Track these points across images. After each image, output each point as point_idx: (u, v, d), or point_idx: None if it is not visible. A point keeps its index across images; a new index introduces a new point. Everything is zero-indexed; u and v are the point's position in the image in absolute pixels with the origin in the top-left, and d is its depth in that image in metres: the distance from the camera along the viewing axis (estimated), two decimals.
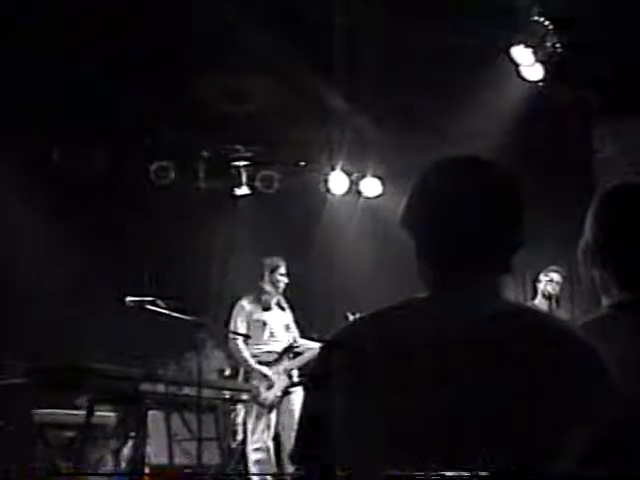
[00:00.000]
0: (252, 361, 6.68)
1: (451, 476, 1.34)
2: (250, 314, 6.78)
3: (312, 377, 1.71)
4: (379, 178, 8.72)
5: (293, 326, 6.99)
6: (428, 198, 1.66)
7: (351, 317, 6.35)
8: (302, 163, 8.86)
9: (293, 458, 1.66)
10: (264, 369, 6.66)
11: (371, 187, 8.76)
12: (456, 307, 1.58)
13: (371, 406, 1.52)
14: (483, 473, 1.35)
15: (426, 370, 1.50)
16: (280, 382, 6.66)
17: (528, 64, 6.36)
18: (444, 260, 1.63)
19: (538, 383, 1.45)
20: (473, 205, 1.61)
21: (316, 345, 6.71)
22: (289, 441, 6.52)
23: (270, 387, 6.62)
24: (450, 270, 1.62)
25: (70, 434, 5.99)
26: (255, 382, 6.62)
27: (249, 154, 8.67)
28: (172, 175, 8.33)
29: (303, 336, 7.00)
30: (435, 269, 1.64)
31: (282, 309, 6.96)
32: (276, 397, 6.61)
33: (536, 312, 1.71)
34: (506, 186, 1.66)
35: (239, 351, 6.70)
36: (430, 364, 1.50)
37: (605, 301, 1.93)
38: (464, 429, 1.44)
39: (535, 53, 6.25)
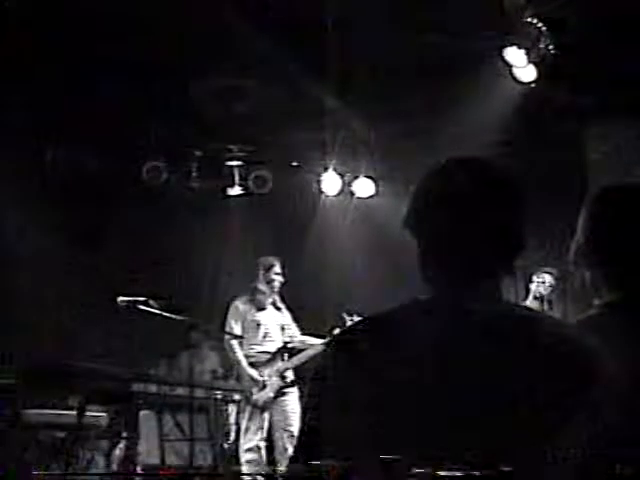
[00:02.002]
0: (245, 363, 6.67)
1: (446, 476, 1.34)
2: (244, 314, 6.77)
3: (315, 378, 1.71)
4: (372, 179, 8.72)
5: (292, 326, 6.97)
6: (432, 199, 1.66)
7: (347, 317, 6.36)
8: (295, 163, 8.85)
9: (295, 461, 1.65)
10: (255, 373, 6.65)
11: (364, 188, 8.77)
12: (460, 309, 1.58)
13: (374, 408, 1.52)
14: (476, 473, 1.35)
15: (430, 372, 1.51)
16: (273, 383, 6.66)
17: (521, 65, 6.36)
18: (447, 262, 1.63)
19: (540, 384, 1.46)
20: (477, 207, 1.61)
21: (316, 342, 6.71)
22: (282, 442, 6.52)
23: (263, 388, 6.62)
24: (453, 272, 1.63)
25: (62, 434, 5.97)
26: (247, 383, 6.61)
27: (242, 154, 8.66)
28: (165, 175, 8.31)
29: (304, 333, 6.99)
30: (438, 270, 1.64)
31: (278, 309, 6.94)
32: (269, 398, 6.61)
33: (538, 315, 1.72)
34: (510, 188, 1.66)
35: (233, 352, 6.70)
36: (434, 366, 1.51)
37: (596, 301, 1.95)
38: (467, 430, 1.45)
39: (528, 54, 6.25)
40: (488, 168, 1.69)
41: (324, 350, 1.69)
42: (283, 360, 6.81)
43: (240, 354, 6.68)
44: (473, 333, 1.53)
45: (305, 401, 1.72)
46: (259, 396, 6.58)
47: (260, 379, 6.63)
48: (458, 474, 1.35)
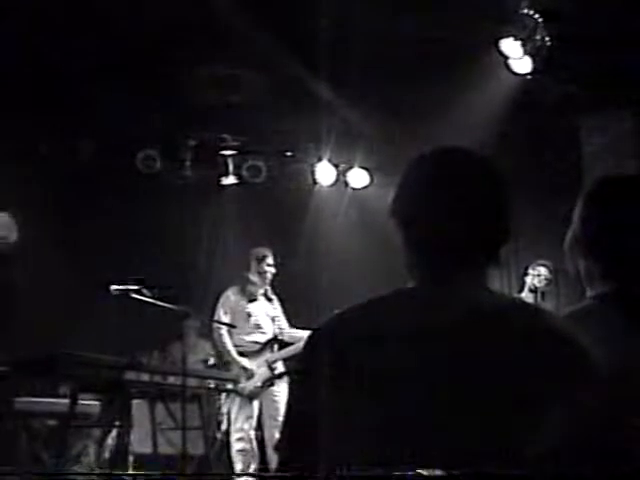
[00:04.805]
0: (234, 352, 6.66)
1: (429, 476, 1.34)
2: (235, 304, 6.76)
3: (299, 367, 1.71)
4: (366, 169, 8.72)
5: (281, 317, 6.97)
6: (416, 189, 1.66)
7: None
8: (289, 153, 8.84)
9: (279, 449, 1.65)
10: (244, 361, 6.64)
11: (358, 178, 8.76)
12: (442, 299, 1.58)
13: (357, 397, 1.51)
14: (456, 472, 1.35)
15: (412, 361, 1.50)
16: (261, 373, 6.65)
17: (517, 57, 6.35)
18: (430, 252, 1.63)
19: (522, 374, 1.46)
20: (460, 197, 1.61)
21: (306, 334, 6.68)
22: (272, 431, 6.52)
23: (250, 377, 6.61)
24: (436, 262, 1.62)
25: (53, 423, 5.96)
26: (235, 372, 6.61)
27: (236, 143, 8.64)
28: (159, 164, 8.29)
29: (293, 326, 6.98)
30: (422, 260, 1.64)
31: (269, 300, 6.93)
32: (256, 387, 6.60)
33: (521, 304, 1.72)
34: (493, 178, 1.66)
35: (222, 341, 6.69)
36: (416, 355, 1.50)
37: (589, 292, 1.95)
38: (449, 420, 1.44)
39: (524, 46, 6.24)
40: (471, 157, 1.69)
41: (307, 339, 1.67)
42: (273, 351, 6.80)
43: (229, 343, 6.67)
44: (457, 322, 1.52)
45: (288, 390, 1.71)
46: (246, 385, 6.57)
47: (249, 367, 6.62)
48: (436, 472, 1.35)
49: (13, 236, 5.91)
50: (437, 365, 1.49)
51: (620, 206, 1.93)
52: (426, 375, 1.49)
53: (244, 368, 6.60)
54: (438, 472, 1.32)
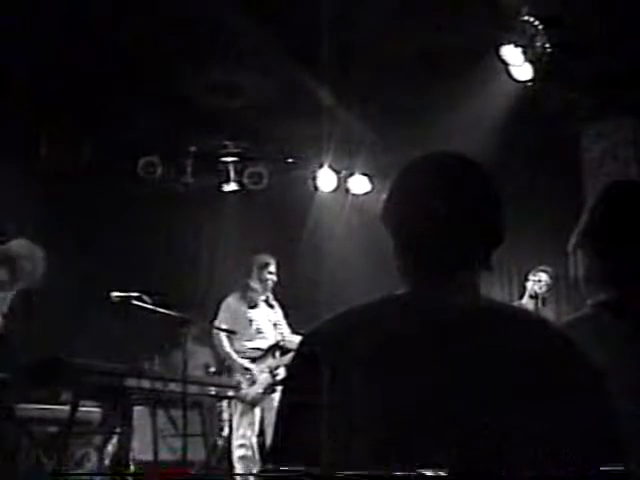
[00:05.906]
0: (234, 355, 6.67)
1: (430, 476, 1.34)
2: (236, 311, 6.77)
3: (290, 372, 1.70)
4: (367, 176, 8.72)
5: (283, 323, 6.97)
6: (407, 195, 1.66)
7: None
8: (290, 160, 8.85)
9: (269, 455, 1.64)
10: (246, 362, 6.65)
11: (359, 184, 8.77)
12: (433, 304, 1.58)
13: (349, 401, 1.51)
14: (458, 473, 1.35)
15: (403, 366, 1.50)
16: (263, 379, 6.65)
17: (517, 64, 6.36)
18: (422, 257, 1.63)
19: (515, 377, 1.46)
20: (451, 202, 1.60)
21: None
22: None
23: (252, 383, 6.61)
24: (428, 267, 1.62)
25: (55, 429, 5.95)
26: (238, 378, 6.61)
27: (237, 150, 8.65)
28: (159, 170, 8.30)
29: (295, 332, 6.97)
30: (413, 265, 1.64)
31: (270, 307, 6.94)
32: (258, 394, 6.60)
33: (513, 308, 1.72)
34: (484, 182, 1.66)
35: (222, 345, 6.70)
36: (407, 360, 1.50)
37: (589, 300, 1.94)
38: (444, 424, 1.44)
39: (525, 53, 6.25)
40: (461, 162, 1.68)
41: (299, 344, 1.66)
42: (274, 357, 6.80)
43: (229, 347, 6.67)
44: (449, 327, 1.52)
45: (280, 395, 1.71)
46: (248, 391, 6.57)
47: (252, 367, 6.62)
48: (439, 474, 1.35)
49: (40, 270, 5.48)
50: (433, 370, 1.49)
51: (629, 211, 1.93)
52: (419, 379, 1.49)
53: (246, 368, 6.61)
54: (441, 472, 1.32)
